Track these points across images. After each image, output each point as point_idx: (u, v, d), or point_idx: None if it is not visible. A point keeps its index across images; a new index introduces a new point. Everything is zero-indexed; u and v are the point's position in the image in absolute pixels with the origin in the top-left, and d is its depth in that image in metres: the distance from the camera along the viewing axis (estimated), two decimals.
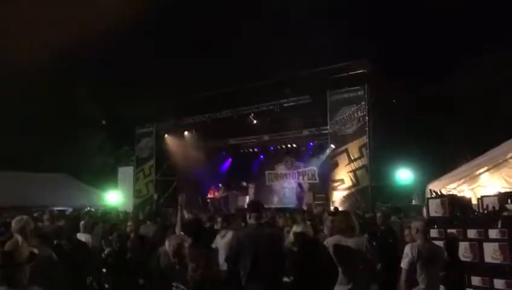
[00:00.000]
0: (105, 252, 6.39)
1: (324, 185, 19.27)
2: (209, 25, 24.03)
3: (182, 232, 5.14)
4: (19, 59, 22.43)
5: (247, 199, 21.54)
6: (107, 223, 9.57)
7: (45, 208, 17.12)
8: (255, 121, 20.16)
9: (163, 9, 25.24)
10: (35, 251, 3.06)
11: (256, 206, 5.15)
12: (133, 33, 24.43)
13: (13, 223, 4.31)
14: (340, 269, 5.11)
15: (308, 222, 7.02)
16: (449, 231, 5.49)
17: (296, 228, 5.85)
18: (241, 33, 21.88)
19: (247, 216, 5.02)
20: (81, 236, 7.34)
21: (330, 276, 4.95)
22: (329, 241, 5.37)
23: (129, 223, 7.41)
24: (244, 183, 21.88)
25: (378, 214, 7.12)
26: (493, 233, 4.98)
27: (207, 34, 24.35)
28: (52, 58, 23.80)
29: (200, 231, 4.94)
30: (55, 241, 5.70)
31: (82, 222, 8.02)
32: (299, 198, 19.07)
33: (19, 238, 2.89)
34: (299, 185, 20.03)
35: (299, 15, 19.65)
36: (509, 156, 9.31)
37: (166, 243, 4.14)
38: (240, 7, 22.71)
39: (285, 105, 18.75)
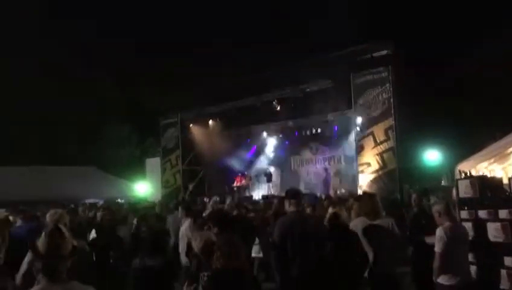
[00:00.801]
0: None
1: (350, 169, 19.18)
2: (230, 12, 23.96)
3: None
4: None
5: (271, 185, 21.72)
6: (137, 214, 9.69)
7: (77, 201, 17.57)
8: (278, 108, 20.11)
9: None
10: (76, 243, 3.15)
11: (294, 193, 5.19)
12: (157, 25, 24.65)
13: (48, 217, 4.44)
14: (369, 249, 5.15)
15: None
16: (480, 211, 5.41)
17: (331, 210, 5.90)
18: (262, 20, 21.77)
19: (287, 204, 5.07)
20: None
21: (361, 259, 5.00)
22: (354, 223, 5.42)
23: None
24: (268, 170, 21.96)
25: (413, 196, 7.06)
26: None
27: (228, 22, 24.31)
28: (78, 51, 24.28)
29: (225, 220, 5.02)
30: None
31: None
32: (326, 183, 19.00)
33: (65, 230, 2.98)
34: (325, 170, 19.96)
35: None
36: None
37: (192, 240, 4.20)
38: None
39: (308, 90, 18.65)
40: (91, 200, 18.97)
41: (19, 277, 4.16)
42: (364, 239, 5.29)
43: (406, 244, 5.58)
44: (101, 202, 18.81)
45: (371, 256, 5.26)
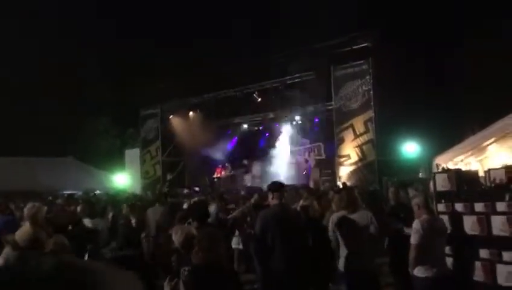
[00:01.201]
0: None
1: (330, 160, 19.30)
2: (211, 3, 23.76)
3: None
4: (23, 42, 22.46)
5: (250, 177, 21.73)
6: (116, 207, 9.60)
7: (55, 192, 17.33)
8: (259, 99, 20.09)
9: None
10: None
11: (277, 186, 5.22)
12: (136, 15, 24.32)
13: (26, 210, 4.36)
14: (343, 243, 5.21)
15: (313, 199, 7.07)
16: (456, 204, 5.49)
17: (302, 202, 5.94)
18: (244, 11, 21.64)
19: (270, 196, 5.07)
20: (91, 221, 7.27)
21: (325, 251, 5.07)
22: (333, 218, 5.48)
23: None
24: (245, 162, 21.94)
25: (391, 189, 7.14)
26: (501, 206, 4.95)
27: (210, 13, 24.11)
28: (58, 41, 23.84)
29: (205, 214, 5.01)
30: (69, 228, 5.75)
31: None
32: (306, 174, 19.10)
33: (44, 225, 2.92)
34: (306, 161, 20.05)
35: None
36: None
37: (173, 234, 4.17)
38: None
39: (289, 82, 18.67)
40: (69, 192, 18.76)
41: None
42: (338, 232, 5.34)
43: (382, 237, 5.62)
44: (79, 193, 18.62)
45: (344, 250, 5.30)
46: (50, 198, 13.64)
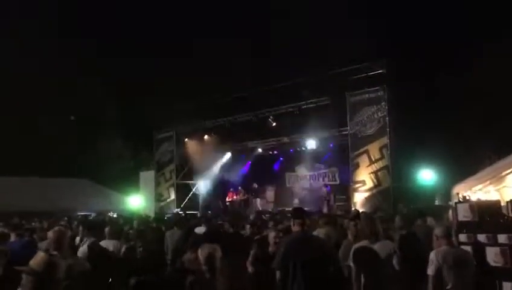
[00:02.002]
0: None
1: (344, 186, 19.22)
2: (227, 26, 24.12)
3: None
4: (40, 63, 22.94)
5: (264, 201, 21.69)
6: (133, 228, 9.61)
7: (68, 213, 17.44)
8: (274, 124, 20.18)
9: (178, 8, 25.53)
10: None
11: (299, 212, 5.18)
12: (150, 36, 24.74)
13: (50, 234, 4.39)
14: (363, 275, 5.10)
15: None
16: (479, 235, 5.44)
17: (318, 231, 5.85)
18: (260, 35, 21.93)
19: (292, 223, 5.05)
20: (108, 243, 7.27)
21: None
22: (355, 248, 5.35)
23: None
24: (256, 185, 21.91)
25: (397, 218, 6.99)
26: None
27: (226, 37, 24.42)
28: (72, 62, 24.30)
29: (227, 243, 5.00)
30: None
31: (107, 229, 7.90)
32: (326, 201, 18.95)
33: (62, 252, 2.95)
34: (325, 186, 19.98)
35: (316, 16, 19.64)
36: None
37: (199, 251, 4.18)
38: (258, 8, 22.78)
39: (304, 107, 18.76)
40: (83, 213, 18.87)
41: None
42: (355, 264, 5.21)
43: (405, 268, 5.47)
44: (93, 215, 18.72)
45: (361, 282, 5.18)
46: (65, 219, 13.67)
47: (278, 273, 4.78)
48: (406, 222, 7.07)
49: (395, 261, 5.06)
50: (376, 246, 5.15)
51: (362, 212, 10.97)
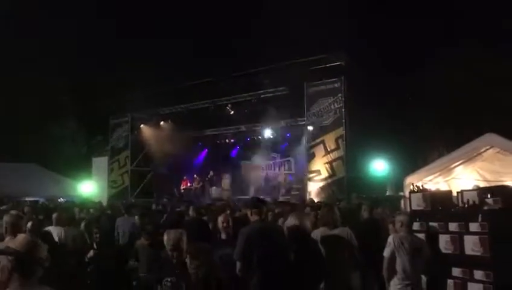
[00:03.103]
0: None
1: (299, 176, 19.52)
2: (186, 15, 23.73)
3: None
4: None
5: (220, 189, 21.72)
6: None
7: (17, 199, 16.80)
8: (232, 112, 20.17)
9: None
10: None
11: (256, 202, 5.24)
12: (108, 20, 24.03)
13: (6, 218, 4.24)
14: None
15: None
16: (431, 224, 5.69)
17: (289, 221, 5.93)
18: (219, 23, 21.74)
19: (249, 213, 5.07)
20: (54, 229, 7.01)
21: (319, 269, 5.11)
22: (315, 234, 5.54)
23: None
24: (211, 173, 21.90)
25: (364, 206, 7.29)
26: (474, 226, 5.17)
27: (185, 24, 24.07)
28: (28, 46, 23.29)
29: (201, 228, 5.00)
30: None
31: (55, 215, 7.63)
32: (285, 189, 19.18)
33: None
34: (277, 176, 20.21)
35: (276, 6, 19.65)
36: (482, 149, 9.64)
37: (165, 236, 4.15)
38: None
39: (263, 96, 18.86)
40: (31, 199, 18.23)
41: None
42: (322, 249, 5.42)
43: (359, 252, 5.71)
44: (41, 201, 18.12)
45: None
46: (10, 204, 13.11)
47: (238, 264, 4.80)
48: (370, 211, 7.34)
49: (355, 244, 5.34)
50: (335, 232, 5.38)
51: (323, 202, 11.26)
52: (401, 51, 17.96)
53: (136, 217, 8.49)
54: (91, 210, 10.53)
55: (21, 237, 2.85)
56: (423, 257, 5.24)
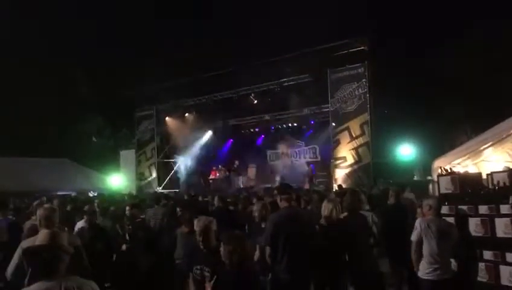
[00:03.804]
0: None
1: (325, 163, 19.43)
2: (209, 4, 23.69)
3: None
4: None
5: (246, 179, 21.78)
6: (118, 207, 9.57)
7: (49, 193, 17.23)
8: (255, 101, 20.17)
9: None
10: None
11: (286, 188, 5.26)
12: (131, 14, 24.23)
13: (40, 211, 4.36)
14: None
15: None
16: (460, 207, 5.61)
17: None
18: (241, 13, 21.64)
19: (278, 199, 5.10)
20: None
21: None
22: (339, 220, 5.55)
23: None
24: (237, 163, 21.96)
25: (390, 192, 7.20)
26: (505, 209, 5.10)
27: (208, 15, 24.06)
28: (51, 40, 23.72)
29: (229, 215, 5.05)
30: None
31: (86, 207, 7.80)
32: (309, 177, 19.14)
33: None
34: (308, 164, 20.15)
35: None
36: None
37: (195, 222, 4.21)
38: None
39: (286, 84, 18.80)
40: (63, 193, 18.67)
41: (9, 272, 4.10)
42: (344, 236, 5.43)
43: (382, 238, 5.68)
44: (72, 194, 18.53)
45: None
46: (44, 199, 13.48)
47: (267, 249, 4.84)
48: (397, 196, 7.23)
49: (374, 231, 5.31)
50: (357, 217, 5.42)
51: (348, 188, 11.21)
52: (426, 33, 17.55)
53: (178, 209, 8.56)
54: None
55: (43, 232, 2.95)
56: (452, 241, 5.16)
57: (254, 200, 9.01)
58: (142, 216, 7.86)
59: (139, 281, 5.92)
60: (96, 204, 8.49)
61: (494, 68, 15.54)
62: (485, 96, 15.95)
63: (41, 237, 3.16)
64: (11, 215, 7.84)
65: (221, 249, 3.59)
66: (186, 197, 13.72)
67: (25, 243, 3.99)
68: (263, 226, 5.51)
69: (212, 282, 3.59)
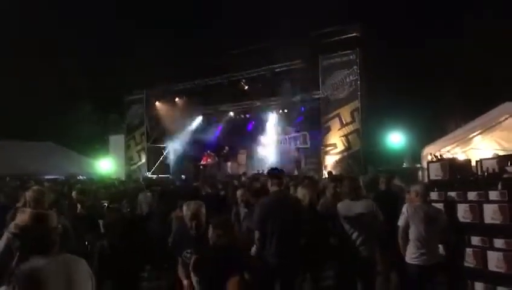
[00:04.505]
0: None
1: (315, 149, 19.44)
2: None
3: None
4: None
5: (235, 165, 21.78)
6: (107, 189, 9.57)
7: (38, 177, 17.07)
8: (246, 87, 20.07)
9: None
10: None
11: (276, 173, 5.24)
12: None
13: (29, 193, 4.31)
14: (349, 230, 5.31)
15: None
16: (449, 193, 5.65)
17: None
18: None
19: (269, 183, 5.08)
20: None
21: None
22: (339, 207, 5.54)
23: None
24: (226, 149, 21.92)
25: (381, 179, 7.24)
26: (493, 195, 5.12)
27: (198, 1, 23.84)
28: (38, 26, 23.35)
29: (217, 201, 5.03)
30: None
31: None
32: (297, 163, 19.17)
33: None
34: (297, 150, 20.16)
35: None
36: (502, 118, 9.49)
37: (185, 207, 4.19)
38: None
39: (277, 70, 18.71)
40: (51, 177, 18.52)
41: None
42: (346, 220, 5.43)
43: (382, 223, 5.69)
44: (61, 178, 18.41)
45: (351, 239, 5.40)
46: (33, 182, 13.40)
47: (256, 233, 4.84)
48: (388, 182, 7.26)
49: (380, 217, 5.32)
50: (359, 203, 5.42)
51: (344, 175, 11.24)
52: (417, 21, 17.56)
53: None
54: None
55: (26, 212, 2.91)
56: (439, 226, 5.22)
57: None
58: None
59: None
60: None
61: (485, 57, 15.60)
62: (475, 85, 16.05)
63: (28, 217, 3.12)
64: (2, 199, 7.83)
65: (210, 231, 3.58)
66: (177, 182, 13.76)
67: (12, 225, 3.94)
68: (246, 211, 5.54)
69: (192, 261, 3.58)
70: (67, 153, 23.17)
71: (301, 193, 5.81)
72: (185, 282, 4.24)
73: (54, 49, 25.09)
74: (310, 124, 20.29)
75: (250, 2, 20.50)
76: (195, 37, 21.70)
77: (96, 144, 26.43)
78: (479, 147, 10.36)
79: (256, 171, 17.70)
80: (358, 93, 16.41)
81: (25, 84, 24.91)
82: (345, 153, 16.65)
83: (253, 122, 23.01)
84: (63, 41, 24.96)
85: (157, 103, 22.96)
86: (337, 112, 16.88)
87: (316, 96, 17.96)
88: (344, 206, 5.50)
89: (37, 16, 23.92)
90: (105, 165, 22.65)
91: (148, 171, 22.38)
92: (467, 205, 5.39)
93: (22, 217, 3.65)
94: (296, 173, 17.39)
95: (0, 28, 22.30)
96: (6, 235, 4.05)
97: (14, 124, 23.35)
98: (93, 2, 24.38)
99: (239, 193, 6.11)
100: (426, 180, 6.51)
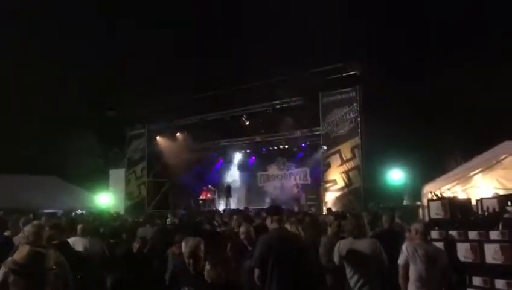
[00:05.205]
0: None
1: (315, 186, 19.41)
2: (201, 26, 23.99)
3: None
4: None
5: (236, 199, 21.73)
6: (106, 226, 9.49)
7: (35, 211, 16.95)
8: (247, 123, 20.23)
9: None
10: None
11: (277, 209, 5.22)
12: (124, 34, 24.39)
13: (28, 227, 4.29)
14: (351, 271, 5.22)
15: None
16: (450, 232, 5.62)
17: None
18: (234, 34, 21.91)
19: (269, 220, 5.06)
20: (78, 240, 7.02)
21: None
22: (341, 245, 5.45)
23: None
24: (227, 185, 21.91)
25: (384, 217, 7.18)
26: (494, 235, 5.10)
27: (199, 35, 24.32)
28: (42, 58, 23.71)
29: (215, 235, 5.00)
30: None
31: (79, 226, 7.66)
32: (296, 199, 19.12)
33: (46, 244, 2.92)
34: (297, 186, 20.13)
35: (292, 17, 19.78)
36: (501, 157, 9.50)
37: (183, 243, 4.16)
38: (234, 9, 22.76)
39: (278, 106, 18.89)
40: (50, 210, 18.39)
41: None
42: (345, 260, 5.34)
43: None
44: (60, 212, 18.27)
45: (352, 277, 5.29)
46: (31, 216, 13.29)
47: (256, 271, 4.78)
48: (391, 221, 7.20)
49: (384, 258, 5.21)
50: (362, 242, 5.32)
51: (349, 212, 11.15)
52: (417, 59, 17.87)
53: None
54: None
55: (24, 249, 2.91)
56: (440, 266, 5.14)
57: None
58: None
59: None
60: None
61: (485, 96, 15.79)
62: (475, 124, 16.17)
63: (21, 254, 3.12)
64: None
65: (207, 269, 3.55)
66: (178, 217, 13.64)
67: (10, 260, 3.92)
68: (250, 249, 5.47)
69: None
70: (67, 187, 23.08)
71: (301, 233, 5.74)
72: None
73: (55, 82, 25.39)
74: (310, 160, 20.37)
75: (252, 39, 20.91)
76: (197, 72, 22.02)
77: (97, 178, 26.38)
78: (479, 185, 10.32)
79: (256, 207, 17.62)
80: (359, 130, 16.50)
81: (28, 116, 25.10)
82: (346, 190, 16.60)
83: (254, 158, 23.08)
84: (64, 73, 25.27)
85: (158, 138, 23.09)
86: (337, 148, 16.94)
87: (317, 133, 18.07)
88: (346, 245, 5.41)
89: (42, 50, 24.37)
90: (105, 199, 22.52)
91: (148, 205, 22.27)
92: (468, 244, 5.36)
93: (21, 253, 3.65)
94: (296, 209, 17.31)
95: (2, 64, 22.67)
96: (2, 269, 4.03)
97: (17, 158, 23.41)
98: (98, 39, 24.86)
99: (242, 229, 6.03)
100: (427, 218, 6.48)
